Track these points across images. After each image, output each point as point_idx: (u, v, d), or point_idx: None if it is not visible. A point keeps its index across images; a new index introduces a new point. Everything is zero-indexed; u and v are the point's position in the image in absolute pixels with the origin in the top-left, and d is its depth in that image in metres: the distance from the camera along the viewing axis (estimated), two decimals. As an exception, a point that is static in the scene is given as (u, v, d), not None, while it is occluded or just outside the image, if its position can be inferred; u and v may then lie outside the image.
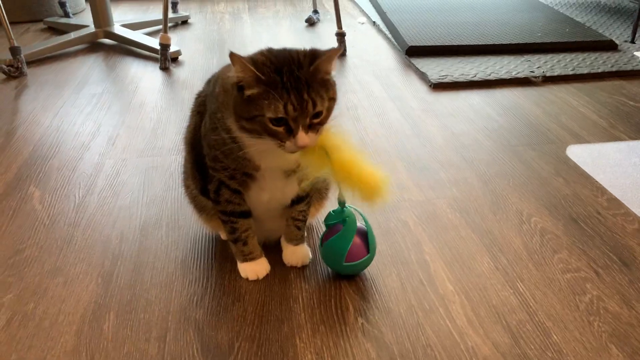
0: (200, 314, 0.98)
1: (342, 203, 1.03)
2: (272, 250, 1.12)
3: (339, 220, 1.03)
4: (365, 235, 1.04)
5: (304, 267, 1.09)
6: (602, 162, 1.47)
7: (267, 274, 1.07)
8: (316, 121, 0.87)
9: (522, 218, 1.25)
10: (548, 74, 2.02)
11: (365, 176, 0.94)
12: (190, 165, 1.09)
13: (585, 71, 2.05)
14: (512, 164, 1.47)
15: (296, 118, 0.84)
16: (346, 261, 1.02)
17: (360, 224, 1.06)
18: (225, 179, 0.99)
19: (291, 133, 0.85)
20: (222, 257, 1.13)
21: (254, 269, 1.06)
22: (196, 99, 1.09)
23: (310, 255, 1.11)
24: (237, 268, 1.08)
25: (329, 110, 0.89)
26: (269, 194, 1.01)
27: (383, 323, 0.96)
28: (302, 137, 0.85)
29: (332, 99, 0.89)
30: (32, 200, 1.30)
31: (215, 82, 0.98)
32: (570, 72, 2.04)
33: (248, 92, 0.85)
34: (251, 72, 0.83)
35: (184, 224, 1.22)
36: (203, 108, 1.03)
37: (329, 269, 1.08)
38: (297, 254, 1.10)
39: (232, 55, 0.83)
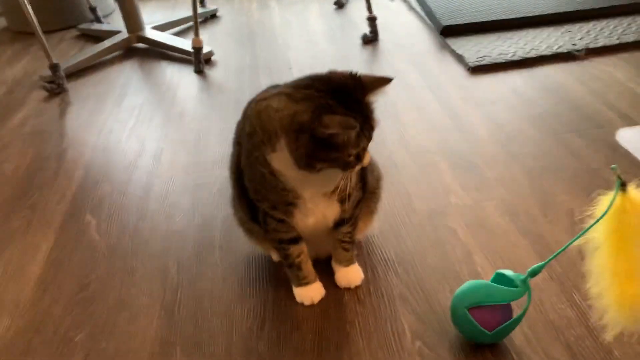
0: (262, 345, 1.02)
1: (534, 273, 0.90)
2: (324, 268, 1.14)
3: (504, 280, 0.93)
4: (506, 319, 0.93)
5: (357, 288, 1.11)
6: (655, 147, 1.42)
7: (322, 298, 1.10)
8: None
9: (574, 218, 1.23)
10: (591, 46, 1.94)
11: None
12: (237, 194, 1.11)
13: (632, 39, 1.96)
14: (559, 155, 1.44)
15: (365, 147, 0.91)
16: (470, 310, 0.93)
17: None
18: (268, 210, 1.01)
19: (359, 159, 0.91)
20: (276, 280, 1.16)
21: (309, 294, 1.09)
22: (237, 127, 1.09)
23: (362, 275, 1.13)
24: (292, 292, 1.10)
25: None
26: (313, 219, 1.03)
27: (441, 345, 0.98)
28: (367, 157, 0.93)
29: None
30: (90, 230, 1.35)
31: (244, 121, 0.99)
32: (616, 42, 1.95)
33: (339, 141, 0.86)
34: (350, 129, 0.84)
35: (236, 246, 1.25)
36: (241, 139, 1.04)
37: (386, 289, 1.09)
38: (349, 275, 1.12)
39: (330, 120, 0.83)
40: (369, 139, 0.91)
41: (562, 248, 0.87)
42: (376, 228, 1.24)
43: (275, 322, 1.06)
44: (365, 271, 1.14)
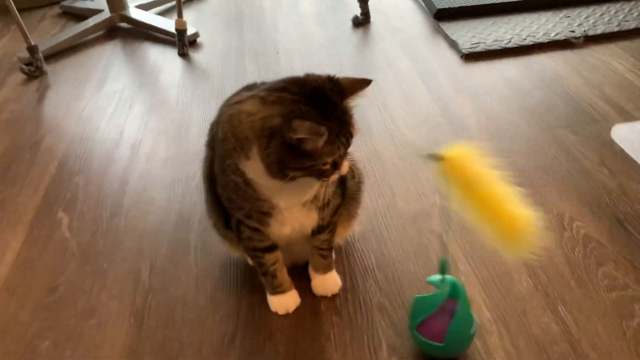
0: (233, 357, 0.98)
1: (443, 268, 0.89)
2: (301, 275, 1.10)
3: (448, 295, 0.88)
4: (450, 320, 0.88)
5: (334, 296, 1.07)
6: (651, 145, 1.37)
7: (297, 307, 1.05)
8: None
9: (564, 223, 1.18)
10: (590, 33, 1.87)
11: (506, 214, 0.80)
12: (211, 200, 1.06)
13: (633, 26, 1.89)
14: (552, 153, 1.38)
15: (343, 155, 0.86)
16: (417, 330, 0.91)
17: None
18: (242, 218, 0.96)
19: (336, 167, 0.86)
20: (251, 286, 1.11)
21: (284, 303, 1.05)
22: (210, 130, 1.03)
23: (340, 283, 1.08)
24: (267, 300, 1.06)
25: None
26: (289, 228, 0.98)
27: (417, 361, 0.94)
28: (345, 166, 0.88)
29: None
30: (62, 228, 1.30)
31: (217, 125, 0.93)
32: (616, 29, 1.88)
33: (309, 147, 0.80)
34: (319, 135, 0.79)
35: (212, 247, 1.20)
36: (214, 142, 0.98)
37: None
38: (326, 283, 1.07)
39: (299, 124, 0.78)
40: (347, 146, 0.86)
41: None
42: (357, 230, 1.20)
43: (247, 332, 1.02)
44: (343, 278, 1.10)
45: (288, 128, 0.78)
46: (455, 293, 0.89)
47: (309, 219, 0.97)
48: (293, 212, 0.95)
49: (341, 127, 0.83)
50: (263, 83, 0.92)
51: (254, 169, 0.86)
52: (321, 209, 0.96)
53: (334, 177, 0.87)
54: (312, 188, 0.91)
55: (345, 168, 0.87)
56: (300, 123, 0.78)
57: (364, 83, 0.86)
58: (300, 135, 0.78)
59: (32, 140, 1.65)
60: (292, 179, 0.84)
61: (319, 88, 0.84)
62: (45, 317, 1.09)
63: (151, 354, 1.00)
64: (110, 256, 1.21)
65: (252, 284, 1.11)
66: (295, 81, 0.85)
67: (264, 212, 0.94)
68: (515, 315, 1.00)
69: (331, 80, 0.85)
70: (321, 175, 0.85)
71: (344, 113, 0.85)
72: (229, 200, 0.95)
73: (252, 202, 0.92)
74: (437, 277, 0.90)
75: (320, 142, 0.80)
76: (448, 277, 0.89)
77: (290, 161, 0.82)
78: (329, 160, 0.83)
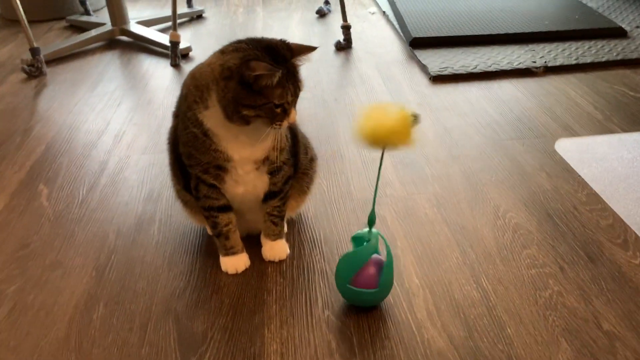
0: (181, 305, 1.07)
1: (371, 222, 1.00)
2: (254, 245, 1.20)
3: (362, 241, 1.01)
4: (381, 268, 1.00)
5: (281, 262, 1.17)
6: (589, 156, 1.48)
7: (246, 268, 1.15)
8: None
9: (498, 214, 1.28)
10: (550, 64, 2.02)
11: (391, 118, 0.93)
12: (172, 163, 1.17)
13: (589, 60, 2.04)
14: (498, 159, 1.50)
15: (291, 102, 0.97)
16: (351, 284, 1.01)
17: (381, 256, 1.04)
18: (200, 174, 1.06)
19: (285, 113, 0.97)
20: (206, 253, 1.21)
21: (234, 263, 1.14)
22: (177, 101, 1.15)
23: (288, 251, 1.18)
24: (219, 263, 1.16)
25: None
26: (242, 187, 1.08)
27: (347, 315, 1.03)
28: (293, 114, 0.99)
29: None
30: (41, 198, 1.41)
31: (183, 86, 1.05)
32: (574, 62, 2.03)
33: (263, 84, 0.92)
34: (273, 72, 0.91)
35: (175, 220, 1.31)
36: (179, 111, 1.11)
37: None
38: (274, 249, 1.17)
39: (256, 64, 0.90)
40: (295, 95, 0.97)
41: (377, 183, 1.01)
42: (311, 209, 1.30)
43: (197, 286, 1.11)
44: (292, 248, 1.20)
45: (246, 67, 0.91)
46: (384, 242, 1.01)
47: (260, 181, 1.08)
48: (247, 171, 1.05)
49: (290, 76, 0.95)
50: None
51: (211, 118, 0.98)
52: (273, 173, 1.07)
53: (285, 123, 0.98)
54: (265, 139, 1.01)
55: (293, 116, 0.98)
56: (256, 63, 0.91)
57: (310, 49, 0.99)
58: (257, 72, 0.90)
59: (24, 127, 1.78)
60: (246, 120, 0.95)
61: (272, 44, 0.97)
62: (14, 267, 1.18)
63: (107, 300, 1.09)
64: (81, 223, 1.32)
65: (208, 251, 1.21)
66: (252, 39, 0.99)
67: (219, 167, 1.04)
68: (441, 284, 1.09)
69: (283, 41, 0.99)
70: (273, 118, 0.96)
71: (293, 67, 0.97)
72: (188, 157, 1.05)
73: (209, 154, 1.02)
74: (364, 231, 1.01)
75: (275, 79, 0.91)
76: (374, 230, 1.00)
77: (245, 98, 0.93)
78: (278, 102, 0.94)
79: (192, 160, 1.05)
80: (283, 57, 0.96)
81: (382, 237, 1.02)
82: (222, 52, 0.97)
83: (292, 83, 0.96)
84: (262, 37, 0.99)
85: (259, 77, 0.91)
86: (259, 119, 0.96)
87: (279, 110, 0.96)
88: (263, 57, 0.93)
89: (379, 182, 1.00)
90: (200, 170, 1.05)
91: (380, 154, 0.95)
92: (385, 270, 1.00)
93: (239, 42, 0.98)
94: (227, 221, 1.12)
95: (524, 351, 0.94)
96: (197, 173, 1.06)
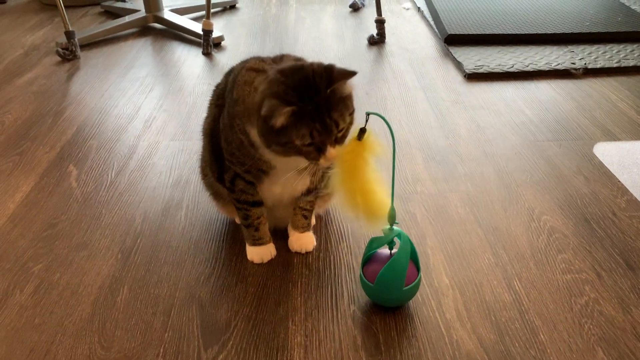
0: (205, 292, 1.05)
1: (392, 218, 0.96)
2: (281, 237, 1.18)
3: (388, 242, 0.98)
4: (384, 263, 0.97)
5: (307, 254, 1.14)
6: (629, 161, 1.43)
7: (272, 259, 1.13)
8: (340, 135, 0.91)
9: (533, 216, 1.24)
10: (590, 66, 1.96)
11: (373, 199, 0.95)
12: (208, 154, 1.15)
13: (632, 64, 1.97)
14: (533, 160, 1.46)
15: (323, 140, 0.89)
16: (363, 270, 0.99)
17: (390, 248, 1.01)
18: (240, 172, 1.04)
19: (321, 151, 0.90)
20: (232, 240, 1.19)
21: (260, 253, 1.12)
22: (214, 90, 1.13)
23: (315, 243, 1.16)
24: (245, 252, 1.14)
25: (351, 123, 0.93)
26: (281, 188, 1.06)
27: (374, 312, 1.00)
28: (331, 152, 0.90)
29: (352, 113, 0.93)
30: (70, 179, 1.41)
31: (233, 84, 1.00)
32: (615, 65, 1.97)
33: (277, 124, 0.86)
34: (280, 112, 0.85)
35: (203, 207, 1.30)
36: (222, 101, 1.06)
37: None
38: (301, 240, 1.15)
39: (267, 102, 0.85)
40: (325, 132, 0.88)
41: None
42: (339, 203, 1.28)
43: (223, 273, 1.10)
44: (318, 240, 1.18)
45: (260, 105, 0.87)
46: (398, 240, 0.97)
47: (301, 184, 1.06)
48: (288, 177, 1.00)
49: (318, 113, 0.87)
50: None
51: (260, 142, 0.94)
52: (314, 175, 1.04)
53: (322, 162, 0.91)
54: (305, 171, 0.96)
55: (331, 155, 0.90)
56: (268, 101, 0.86)
57: (350, 74, 0.89)
58: (264, 112, 0.86)
59: (56, 109, 1.79)
60: (278, 153, 0.92)
61: (308, 74, 0.88)
62: (41, 246, 1.18)
63: (131, 283, 1.08)
64: (109, 205, 1.31)
65: (234, 239, 1.20)
66: (291, 67, 0.91)
67: (262, 170, 1.02)
68: (472, 285, 1.06)
69: (325, 68, 0.89)
70: (307, 156, 0.91)
71: (328, 99, 0.87)
72: (231, 155, 1.02)
73: (253, 159, 1.00)
74: (385, 228, 0.98)
75: (280, 120, 0.85)
76: (396, 228, 0.97)
77: (270, 136, 0.89)
78: (300, 142, 0.88)
79: (234, 158, 1.03)
80: (316, 89, 0.87)
81: (402, 236, 0.97)
82: (267, 76, 0.91)
83: (320, 120, 0.87)
84: (303, 64, 0.91)
85: (267, 118, 0.86)
86: (297, 155, 0.91)
87: (311, 148, 0.89)
88: (285, 92, 0.87)
89: (394, 177, 0.98)
90: (242, 169, 1.03)
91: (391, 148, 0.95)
92: (385, 269, 0.95)
93: (281, 71, 0.90)
94: (259, 214, 1.10)
95: (557, 359, 0.90)
96: (237, 170, 1.04)
